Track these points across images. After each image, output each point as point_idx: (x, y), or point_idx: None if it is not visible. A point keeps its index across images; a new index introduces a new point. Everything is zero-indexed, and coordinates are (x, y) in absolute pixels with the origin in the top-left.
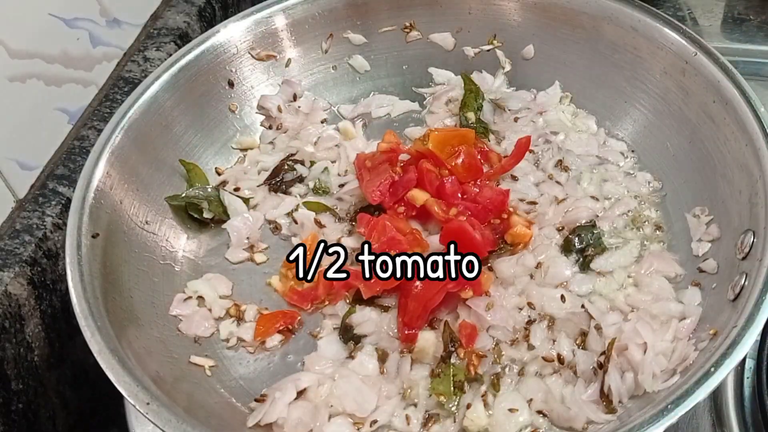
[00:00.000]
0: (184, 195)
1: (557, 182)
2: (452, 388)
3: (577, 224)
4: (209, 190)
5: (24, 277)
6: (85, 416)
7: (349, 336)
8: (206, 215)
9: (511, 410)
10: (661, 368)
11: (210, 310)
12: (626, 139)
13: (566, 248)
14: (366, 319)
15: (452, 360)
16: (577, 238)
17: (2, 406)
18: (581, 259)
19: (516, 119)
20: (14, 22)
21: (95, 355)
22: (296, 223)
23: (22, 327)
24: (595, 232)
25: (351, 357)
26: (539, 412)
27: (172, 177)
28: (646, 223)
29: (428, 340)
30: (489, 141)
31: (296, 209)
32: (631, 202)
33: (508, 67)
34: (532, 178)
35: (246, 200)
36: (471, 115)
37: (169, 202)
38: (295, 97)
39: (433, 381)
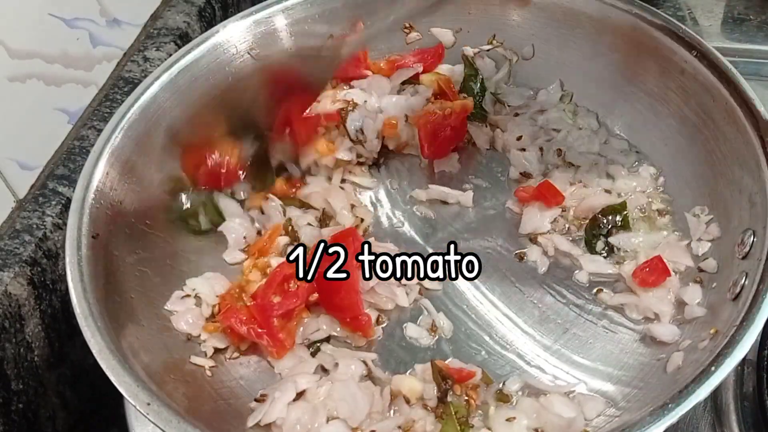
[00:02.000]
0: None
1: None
2: (458, 426)
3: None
4: (202, 195)
5: (24, 277)
6: (85, 416)
7: (315, 349)
8: (204, 226)
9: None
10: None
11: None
12: (626, 139)
13: (592, 229)
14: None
15: (449, 398)
16: (605, 219)
17: (2, 406)
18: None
19: (516, 114)
20: (14, 22)
21: (95, 355)
22: (263, 213)
23: (22, 327)
24: (624, 214)
25: (335, 366)
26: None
27: (172, 178)
28: (658, 216)
29: (413, 387)
30: (485, 127)
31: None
32: (641, 197)
33: (515, 58)
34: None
35: (242, 201)
36: (470, 102)
37: (166, 217)
38: None
39: (442, 425)
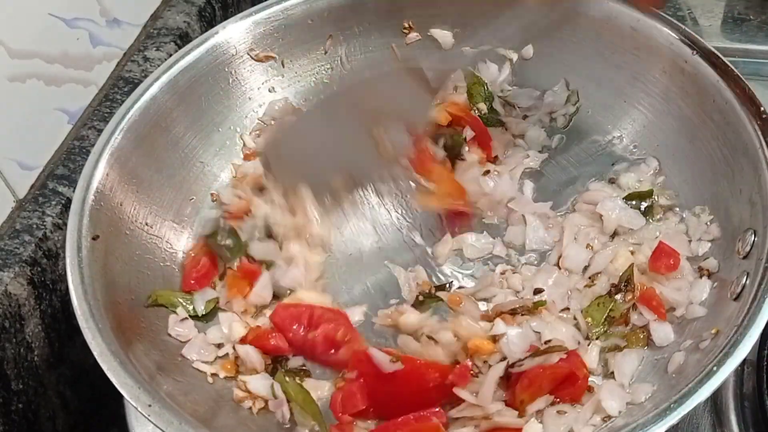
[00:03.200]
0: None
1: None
2: (603, 319)
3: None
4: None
5: (24, 277)
6: (85, 416)
7: None
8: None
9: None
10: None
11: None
12: (626, 139)
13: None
14: None
15: (617, 297)
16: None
17: (2, 406)
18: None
19: (525, 117)
20: (14, 22)
21: (97, 357)
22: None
23: (22, 327)
24: (650, 200)
25: None
26: None
27: (172, 179)
28: (663, 210)
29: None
30: (505, 130)
31: None
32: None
33: (514, 57)
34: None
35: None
36: (482, 106)
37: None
38: None
39: (590, 305)
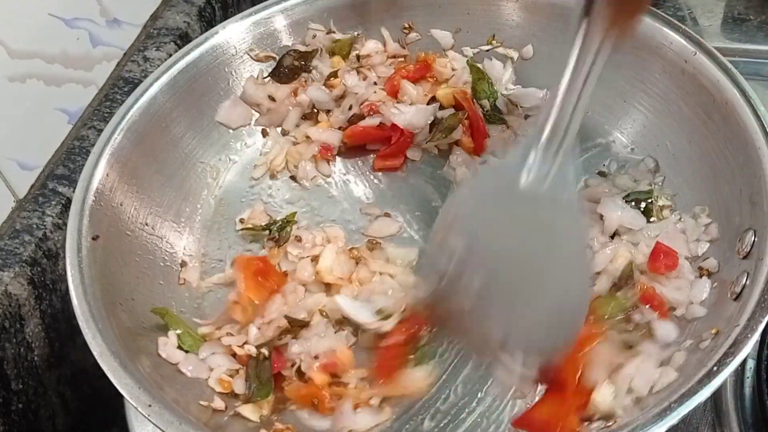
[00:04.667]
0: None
1: None
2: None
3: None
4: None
5: (24, 277)
6: (85, 416)
7: None
8: None
9: None
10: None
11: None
12: (626, 139)
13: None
14: None
15: (618, 294)
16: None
17: (2, 406)
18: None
19: (527, 117)
20: (14, 22)
21: (97, 357)
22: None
23: (22, 327)
24: (648, 201)
25: None
26: None
27: (172, 179)
28: (662, 210)
29: None
30: (506, 128)
31: None
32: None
33: (515, 56)
34: None
35: None
36: (485, 103)
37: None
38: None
39: (591, 304)
